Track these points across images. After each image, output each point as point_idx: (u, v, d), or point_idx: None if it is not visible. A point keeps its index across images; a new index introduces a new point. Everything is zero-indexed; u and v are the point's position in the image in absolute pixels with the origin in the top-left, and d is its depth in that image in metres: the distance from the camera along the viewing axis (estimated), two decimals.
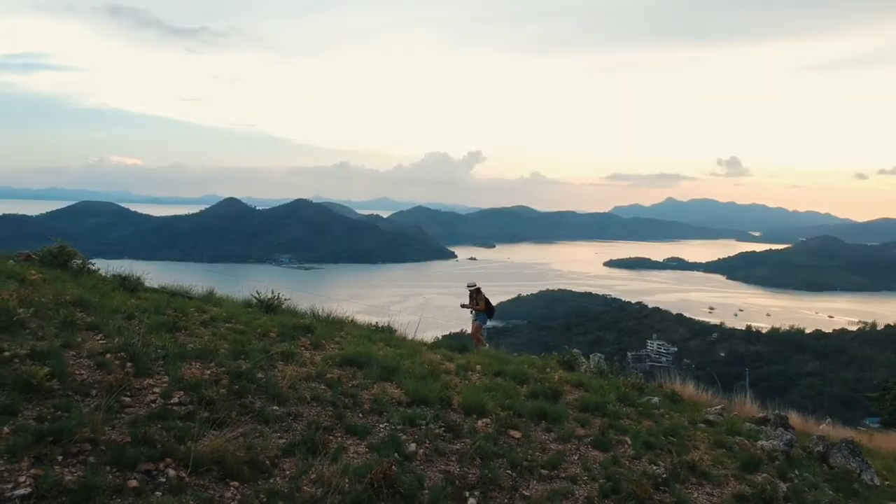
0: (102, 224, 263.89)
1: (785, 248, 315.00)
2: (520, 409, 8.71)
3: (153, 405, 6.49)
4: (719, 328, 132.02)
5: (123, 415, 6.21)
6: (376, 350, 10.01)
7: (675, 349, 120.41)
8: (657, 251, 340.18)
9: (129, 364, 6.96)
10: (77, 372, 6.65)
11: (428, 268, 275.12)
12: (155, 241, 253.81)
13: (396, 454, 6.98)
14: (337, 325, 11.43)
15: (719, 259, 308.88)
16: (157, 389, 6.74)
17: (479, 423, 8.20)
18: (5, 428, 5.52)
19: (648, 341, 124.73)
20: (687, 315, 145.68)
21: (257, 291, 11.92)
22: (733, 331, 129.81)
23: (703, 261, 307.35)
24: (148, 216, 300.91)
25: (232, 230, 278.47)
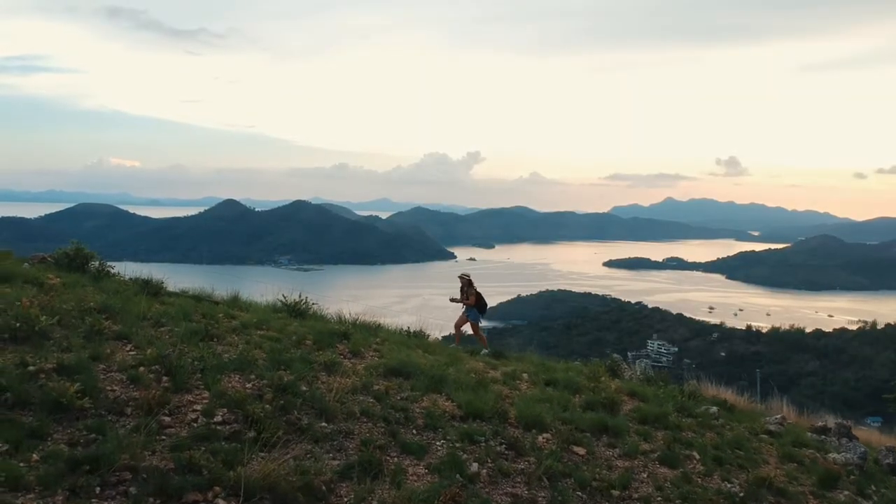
0: (101, 226, 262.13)
1: (784, 248, 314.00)
2: (579, 423, 8.05)
3: (195, 425, 5.83)
4: (719, 328, 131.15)
5: (164, 437, 5.55)
6: (417, 358, 9.35)
7: (676, 349, 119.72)
8: (656, 251, 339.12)
9: (164, 378, 6.29)
10: (109, 388, 5.98)
11: (427, 268, 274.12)
12: (154, 243, 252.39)
13: (459, 476, 6.33)
14: (371, 331, 10.76)
15: (719, 259, 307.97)
16: (197, 407, 6.08)
17: (540, 438, 7.55)
18: (34, 455, 4.86)
19: (649, 341, 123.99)
20: (687, 315, 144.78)
21: (283, 295, 11.26)
22: (733, 330, 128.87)
23: (703, 261, 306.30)
24: (147, 218, 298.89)
25: (231, 232, 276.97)
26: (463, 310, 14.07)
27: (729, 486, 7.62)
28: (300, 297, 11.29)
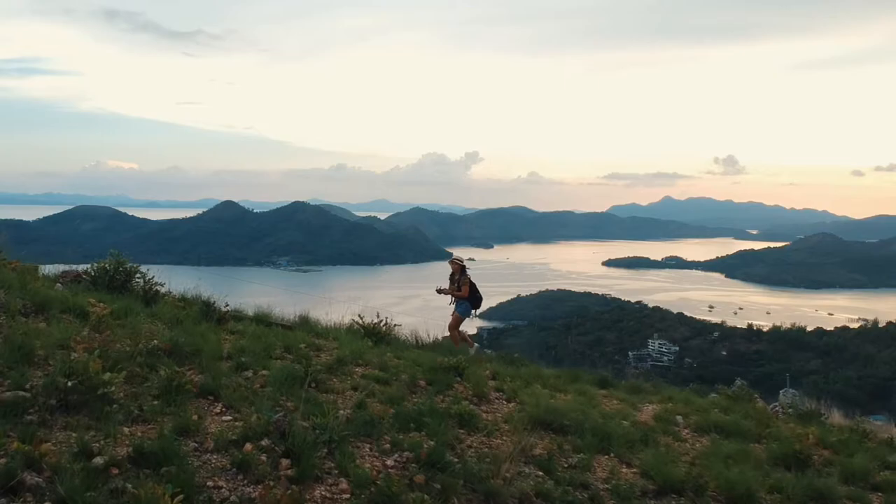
0: (100, 228, 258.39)
1: (783, 246, 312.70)
2: (789, 491, 6.15)
3: None
4: (720, 327, 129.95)
5: None
6: (549, 399, 7.44)
7: (677, 349, 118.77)
8: (655, 250, 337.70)
9: (284, 461, 4.36)
10: (212, 484, 4.04)
11: (426, 269, 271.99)
12: (153, 245, 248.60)
13: None
14: (476, 361, 8.83)
15: (717, 257, 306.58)
16: None
17: None
18: None
19: (650, 341, 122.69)
20: (687, 314, 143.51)
21: (360, 315, 9.34)
22: (734, 329, 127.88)
23: (702, 259, 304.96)
24: (145, 220, 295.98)
25: (230, 233, 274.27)
26: (452, 304, 11.27)
27: None
28: (378, 317, 9.36)
